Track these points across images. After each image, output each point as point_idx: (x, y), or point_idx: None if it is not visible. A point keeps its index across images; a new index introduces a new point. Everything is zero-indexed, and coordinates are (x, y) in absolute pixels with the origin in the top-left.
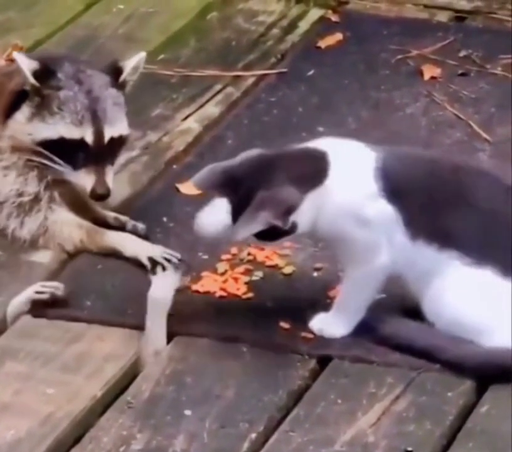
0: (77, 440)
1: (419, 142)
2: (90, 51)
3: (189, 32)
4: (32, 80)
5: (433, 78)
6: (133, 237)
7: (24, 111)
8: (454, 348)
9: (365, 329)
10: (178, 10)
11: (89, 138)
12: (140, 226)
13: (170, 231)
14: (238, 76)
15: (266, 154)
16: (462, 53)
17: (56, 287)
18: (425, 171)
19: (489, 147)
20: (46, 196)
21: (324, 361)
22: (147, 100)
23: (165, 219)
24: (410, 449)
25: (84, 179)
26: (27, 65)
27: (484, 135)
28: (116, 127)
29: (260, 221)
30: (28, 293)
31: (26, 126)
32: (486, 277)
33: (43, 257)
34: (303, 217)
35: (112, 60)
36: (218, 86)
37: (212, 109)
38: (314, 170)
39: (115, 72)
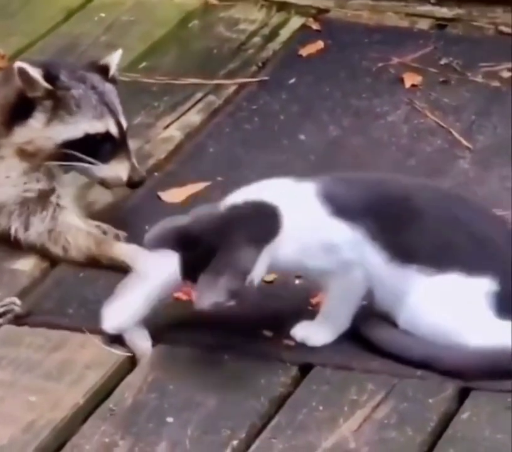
0: (59, 448)
1: (400, 149)
2: (72, 59)
3: (171, 40)
4: (46, 85)
5: (414, 86)
6: (143, 250)
7: (38, 117)
8: (447, 354)
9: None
10: (159, 18)
11: (113, 129)
12: (122, 234)
13: None
14: (220, 85)
15: (221, 213)
16: (443, 61)
17: (12, 303)
18: (370, 191)
19: (469, 155)
20: (55, 194)
21: (305, 369)
22: (129, 108)
23: (147, 227)
24: None
25: (118, 170)
26: (36, 72)
27: (465, 142)
28: (124, 117)
29: (221, 287)
30: None
31: (44, 131)
32: (452, 281)
33: (25, 265)
34: (258, 270)
35: (90, 61)
36: (199, 95)
37: (193, 117)
38: (269, 226)
39: (100, 69)
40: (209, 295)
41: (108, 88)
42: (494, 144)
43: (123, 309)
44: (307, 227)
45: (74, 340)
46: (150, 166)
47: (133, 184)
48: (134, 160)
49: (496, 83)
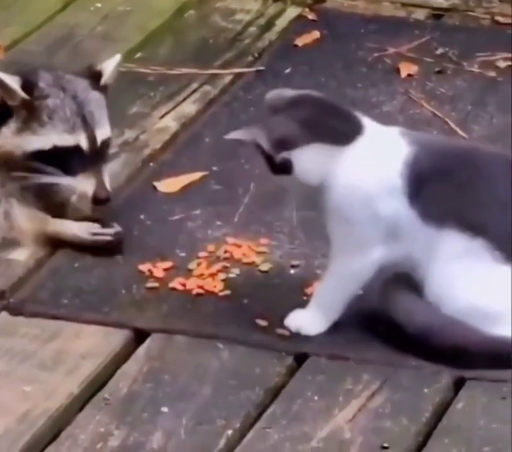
0: (54, 437)
1: None
2: (68, 50)
3: (166, 30)
4: (23, 95)
5: (410, 75)
6: (70, 221)
7: (11, 126)
8: (454, 331)
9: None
10: (155, 9)
11: (83, 143)
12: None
13: (147, 229)
14: (215, 75)
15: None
16: (439, 51)
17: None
18: (456, 163)
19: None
20: (3, 192)
21: (300, 358)
22: (125, 98)
23: (142, 217)
24: (386, 445)
25: (83, 185)
26: (13, 81)
27: (461, 132)
28: (104, 129)
29: (250, 133)
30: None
31: (14, 140)
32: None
33: (20, 255)
34: (305, 165)
35: (87, 64)
36: (195, 85)
37: (189, 107)
38: (344, 129)
39: (93, 75)
40: (237, 132)
41: (93, 97)
42: (490, 134)
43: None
44: (373, 176)
45: (69, 330)
46: (146, 156)
47: (98, 201)
48: (105, 176)
49: (492, 73)
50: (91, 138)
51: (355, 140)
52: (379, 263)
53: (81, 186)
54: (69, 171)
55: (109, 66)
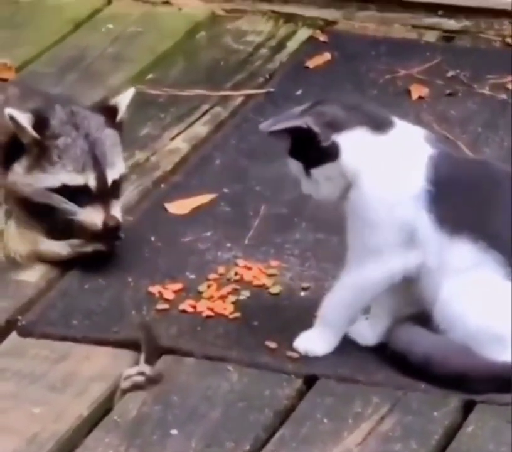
0: None
1: None
2: (79, 71)
3: (178, 52)
4: (34, 134)
5: (420, 98)
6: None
7: (23, 163)
8: (457, 358)
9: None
10: (166, 30)
11: (92, 183)
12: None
13: (157, 250)
14: (226, 96)
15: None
16: (450, 73)
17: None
18: (474, 172)
19: None
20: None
21: (310, 381)
22: (135, 119)
23: (153, 238)
24: None
25: (92, 216)
26: (25, 120)
27: (471, 155)
28: (116, 168)
29: (300, 120)
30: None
31: (26, 177)
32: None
33: (31, 276)
34: (351, 149)
35: (102, 99)
36: (206, 106)
37: (200, 129)
38: (381, 118)
39: (108, 111)
40: (283, 122)
41: (107, 135)
42: (500, 156)
43: None
44: (396, 182)
45: (79, 351)
46: (157, 178)
47: (108, 230)
48: (115, 210)
49: (502, 95)
50: (101, 178)
51: (389, 131)
52: (393, 273)
53: (90, 217)
54: (78, 203)
55: (124, 101)
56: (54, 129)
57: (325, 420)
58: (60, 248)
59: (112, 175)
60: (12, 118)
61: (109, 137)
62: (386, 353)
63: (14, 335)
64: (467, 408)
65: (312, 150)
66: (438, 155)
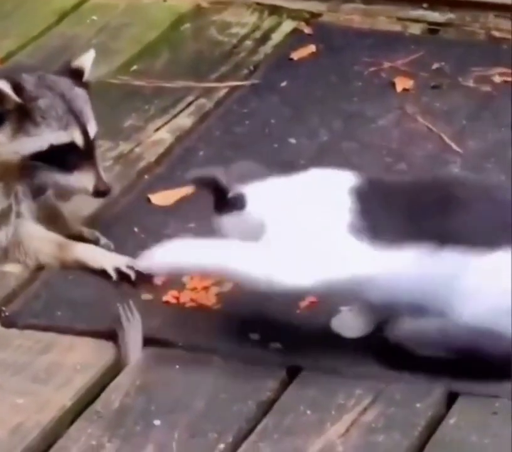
0: (46, 450)
1: (391, 153)
2: (63, 62)
3: (162, 43)
4: (16, 98)
5: (405, 90)
6: (99, 248)
7: (5, 131)
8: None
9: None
10: (151, 21)
11: (78, 139)
12: (111, 244)
13: (141, 242)
14: (211, 88)
15: None
16: (435, 66)
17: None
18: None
19: (460, 160)
20: (14, 210)
21: (293, 372)
22: (120, 110)
23: (136, 229)
24: None
25: (83, 180)
26: (5, 85)
27: (456, 147)
28: (93, 124)
29: (207, 170)
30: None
31: (10, 145)
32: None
33: (15, 267)
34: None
35: (64, 62)
36: (190, 98)
37: (184, 120)
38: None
39: (74, 73)
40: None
41: (78, 93)
42: (484, 148)
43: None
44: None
45: (62, 343)
46: (141, 169)
47: (98, 193)
48: (100, 169)
49: (487, 88)
50: (85, 133)
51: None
52: None
53: (80, 181)
54: (65, 168)
55: (87, 63)
56: (30, 92)
57: (308, 412)
58: (107, 263)
59: (92, 131)
60: None
61: (80, 96)
62: (370, 342)
63: None
64: (450, 399)
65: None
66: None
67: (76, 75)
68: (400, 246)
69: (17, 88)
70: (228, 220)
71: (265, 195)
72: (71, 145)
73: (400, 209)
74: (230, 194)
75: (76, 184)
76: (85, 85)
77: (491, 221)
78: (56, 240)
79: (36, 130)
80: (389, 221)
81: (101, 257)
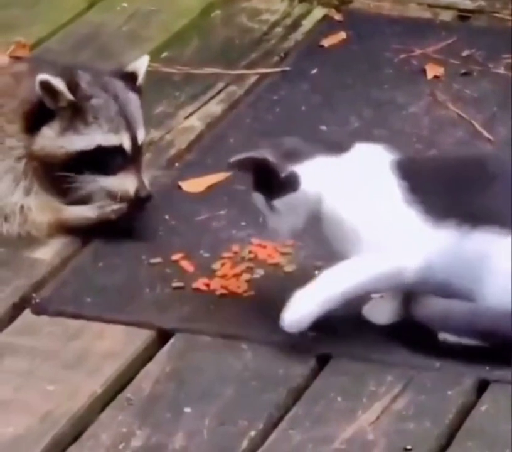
0: (77, 437)
1: (421, 141)
2: (93, 49)
3: (192, 30)
4: (70, 97)
5: (436, 77)
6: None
7: (54, 126)
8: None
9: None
10: (181, 8)
11: (127, 144)
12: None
13: (172, 229)
14: (241, 75)
15: None
16: (465, 53)
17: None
18: (442, 166)
19: (490, 147)
20: (25, 205)
21: (324, 360)
22: (150, 97)
23: (167, 217)
24: (409, 447)
25: (125, 184)
26: (59, 83)
27: (486, 134)
28: (142, 130)
29: (256, 153)
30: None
31: (58, 140)
32: None
33: (45, 254)
34: (310, 177)
35: (118, 66)
36: (221, 85)
37: (214, 107)
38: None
39: (127, 77)
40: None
41: (132, 98)
42: None
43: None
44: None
45: (92, 329)
46: (171, 156)
47: (139, 199)
48: (144, 176)
49: None
50: (133, 138)
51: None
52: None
53: (122, 185)
54: (109, 171)
55: (141, 68)
56: (85, 91)
57: (339, 399)
58: (88, 211)
59: (141, 136)
60: (45, 83)
61: (133, 100)
62: (401, 329)
63: (27, 313)
64: (481, 387)
65: (273, 182)
66: (399, 160)
67: (130, 79)
68: (441, 224)
69: (72, 85)
70: (282, 201)
71: (317, 173)
72: (118, 149)
73: (438, 187)
74: (283, 174)
75: (118, 188)
76: (138, 90)
77: None
78: (51, 206)
79: (86, 130)
80: (432, 197)
81: (80, 208)
